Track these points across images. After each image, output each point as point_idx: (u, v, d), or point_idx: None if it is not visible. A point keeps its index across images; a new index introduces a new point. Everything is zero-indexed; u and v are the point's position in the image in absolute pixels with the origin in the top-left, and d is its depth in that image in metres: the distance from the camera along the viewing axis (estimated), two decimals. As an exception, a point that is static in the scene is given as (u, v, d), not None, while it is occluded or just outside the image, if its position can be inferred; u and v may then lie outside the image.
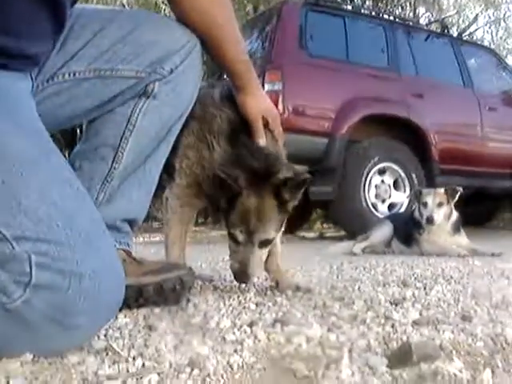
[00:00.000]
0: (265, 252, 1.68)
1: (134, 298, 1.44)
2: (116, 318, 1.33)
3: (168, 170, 1.76)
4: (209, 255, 3.34)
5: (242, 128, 1.69)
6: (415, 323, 1.33)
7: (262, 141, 1.68)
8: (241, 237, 1.62)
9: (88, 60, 1.40)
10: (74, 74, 1.40)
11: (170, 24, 1.52)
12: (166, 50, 1.46)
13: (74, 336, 1.06)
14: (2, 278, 0.99)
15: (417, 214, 4.02)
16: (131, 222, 1.59)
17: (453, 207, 3.93)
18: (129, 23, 1.44)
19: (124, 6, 12.38)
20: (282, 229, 1.74)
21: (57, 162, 1.15)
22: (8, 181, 1.02)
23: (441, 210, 3.86)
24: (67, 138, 11.16)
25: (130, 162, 1.51)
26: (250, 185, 1.59)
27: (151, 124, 1.51)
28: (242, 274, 1.64)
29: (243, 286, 1.91)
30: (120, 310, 1.19)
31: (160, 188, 1.71)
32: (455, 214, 3.95)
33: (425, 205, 3.90)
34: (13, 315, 0.99)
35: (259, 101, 1.69)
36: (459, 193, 3.91)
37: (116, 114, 1.49)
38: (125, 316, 1.39)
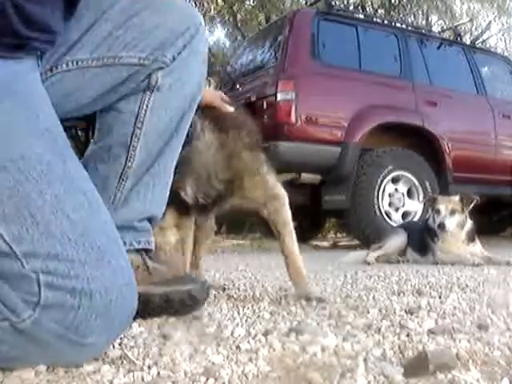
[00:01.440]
0: None
1: (142, 308, 1.43)
2: (130, 326, 1.33)
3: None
4: (222, 264, 3.34)
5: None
6: (431, 332, 1.32)
7: (230, 108, 1.86)
8: None
9: (91, 47, 1.36)
10: (78, 63, 1.36)
11: (172, 7, 1.46)
12: (168, 33, 1.40)
13: (87, 352, 1.05)
14: (11, 296, 0.98)
15: (431, 221, 3.98)
16: (150, 219, 1.56)
17: (467, 216, 3.90)
18: (130, 7, 1.39)
19: None
20: None
21: (73, 169, 1.12)
22: (23, 189, 1.00)
23: (453, 218, 3.82)
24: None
25: (142, 159, 1.47)
26: None
27: (159, 118, 1.47)
28: None
29: (257, 294, 1.91)
30: (133, 318, 1.19)
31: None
32: (469, 223, 3.92)
33: (437, 212, 3.87)
34: (23, 334, 0.98)
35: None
36: (474, 201, 3.88)
37: (124, 113, 1.46)
38: (139, 325, 1.39)
